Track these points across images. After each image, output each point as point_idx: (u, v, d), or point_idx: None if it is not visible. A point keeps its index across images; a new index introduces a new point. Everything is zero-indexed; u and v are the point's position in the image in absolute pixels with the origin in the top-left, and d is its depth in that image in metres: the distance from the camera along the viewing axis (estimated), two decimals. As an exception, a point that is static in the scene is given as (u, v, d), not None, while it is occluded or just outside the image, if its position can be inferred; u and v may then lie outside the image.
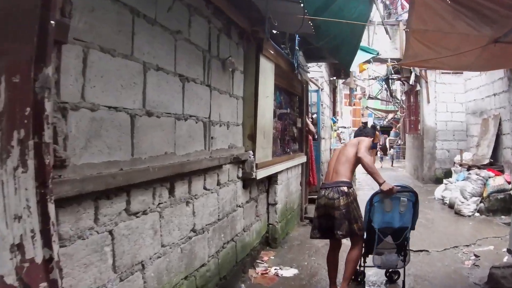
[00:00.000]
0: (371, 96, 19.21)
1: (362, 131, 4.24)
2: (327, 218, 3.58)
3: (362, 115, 23.90)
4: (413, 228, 3.72)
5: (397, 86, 16.65)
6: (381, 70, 14.51)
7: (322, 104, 8.51)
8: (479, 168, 7.51)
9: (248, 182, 4.30)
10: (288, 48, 4.91)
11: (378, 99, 19.44)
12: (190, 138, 3.00)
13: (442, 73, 10.39)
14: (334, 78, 9.63)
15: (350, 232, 3.54)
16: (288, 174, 5.84)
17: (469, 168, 7.89)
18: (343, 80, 13.33)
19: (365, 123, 22.45)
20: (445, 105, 10.70)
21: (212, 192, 3.45)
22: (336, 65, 10.09)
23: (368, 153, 3.70)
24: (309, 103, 7.98)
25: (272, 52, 4.56)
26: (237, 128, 4.04)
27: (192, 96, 3.04)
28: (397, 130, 20.37)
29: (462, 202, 7.11)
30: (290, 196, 5.99)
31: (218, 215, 3.61)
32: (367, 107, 22.31)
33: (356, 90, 16.43)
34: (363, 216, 3.69)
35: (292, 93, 6.17)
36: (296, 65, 5.25)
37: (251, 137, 4.18)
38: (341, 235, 3.54)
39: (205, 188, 3.32)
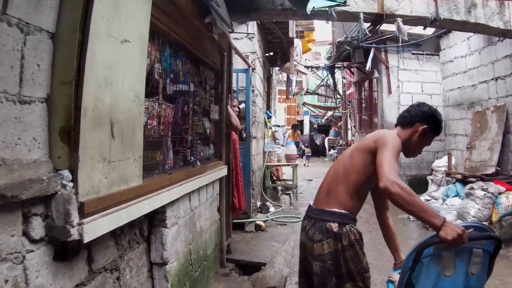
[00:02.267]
0: (309, 90, 17.21)
1: (410, 113, 1.88)
2: (308, 265, 2.14)
3: (298, 112, 22.15)
4: None
5: (338, 80, 14.81)
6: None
7: (253, 90, 6.08)
8: (482, 179, 5.42)
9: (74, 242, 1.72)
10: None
11: (318, 94, 17.48)
12: None
13: (413, 53, 8.49)
14: (271, 54, 7.27)
15: None
16: (193, 201, 3.32)
17: (464, 179, 5.83)
18: (279, 67, 11.18)
19: (297, 123, 20.70)
20: (410, 96, 8.85)
21: None
22: (272, 44, 7.80)
23: (395, 167, 1.73)
24: (235, 87, 5.56)
25: None
26: (20, 109, 1.43)
27: None
28: (337, 129, 18.55)
29: (464, 231, 4.93)
30: (199, 237, 3.48)
31: None
32: (304, 104, 20.19)
33: (293, 83, 14.33)
34: (367, 269, 2.06)
35: (203, 61, 3.65)
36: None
37: (67, 134, 1.60)
38: None
39: None
